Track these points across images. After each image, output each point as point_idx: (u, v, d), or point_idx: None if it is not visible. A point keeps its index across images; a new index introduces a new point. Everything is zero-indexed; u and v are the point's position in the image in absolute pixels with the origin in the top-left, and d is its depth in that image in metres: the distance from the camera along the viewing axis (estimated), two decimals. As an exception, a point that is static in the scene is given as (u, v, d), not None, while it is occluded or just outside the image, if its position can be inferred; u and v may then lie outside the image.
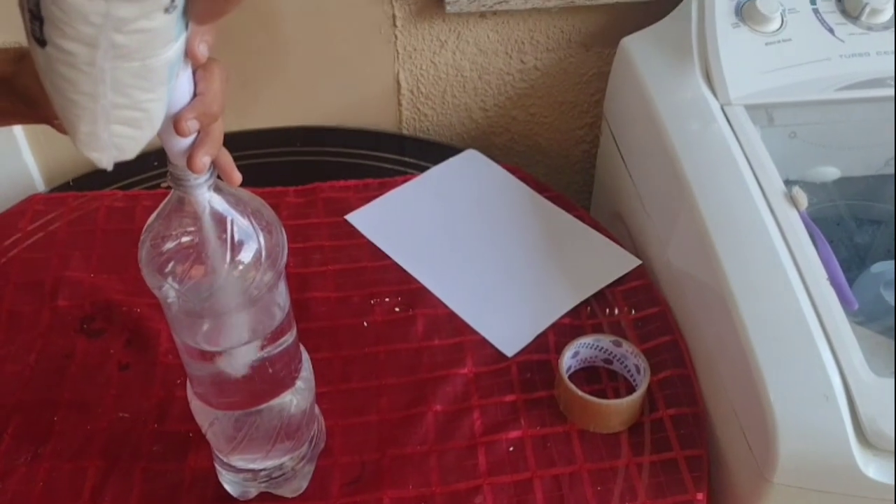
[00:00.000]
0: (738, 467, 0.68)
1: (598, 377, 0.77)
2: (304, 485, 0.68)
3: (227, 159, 0.50)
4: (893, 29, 0.86)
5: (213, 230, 0.50)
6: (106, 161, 0.42)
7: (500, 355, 0.78)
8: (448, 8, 0.96)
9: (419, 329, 0.81)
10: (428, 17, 1.01)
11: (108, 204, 0.95)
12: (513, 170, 0.99)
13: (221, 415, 0.61)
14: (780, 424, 0.61)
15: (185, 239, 0.50)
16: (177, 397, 0.74)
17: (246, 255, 0.51)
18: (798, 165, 0.85)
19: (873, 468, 0.60)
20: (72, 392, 0.75)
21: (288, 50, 1.03)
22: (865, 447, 0.61)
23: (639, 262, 0.87)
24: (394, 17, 1.01)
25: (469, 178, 0.99)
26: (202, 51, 0.43)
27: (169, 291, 0.51)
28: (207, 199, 0.49)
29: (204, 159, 0.46)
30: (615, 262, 0.87)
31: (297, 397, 0.63)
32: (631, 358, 0.75)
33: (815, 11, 0.87)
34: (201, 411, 0.62)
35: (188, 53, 0.42)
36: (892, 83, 0.84)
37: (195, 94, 0.44)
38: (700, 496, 0.68)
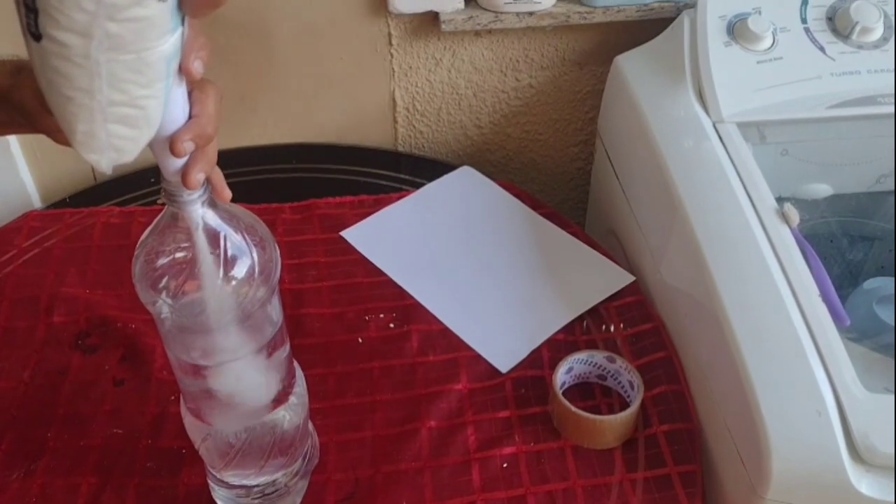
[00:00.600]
0: (731, 483, 0.68)
1: (592, 393, 0.77)
2: (298, 501, 0.68)
3: (218, 176, 0.51)
4: (892, 45, 0.87)
5: (206, 246, 0.50)
6: (105, 164, 0.42)
7: (494, 371, 0.78)
8: (443, 26, 0.97)
9: (413, 345, 0.81)
10: (423, 36, 1.02)
11: (104, 220, 0.95)
12: (507, 186, 1.00)
13: (215, 431, 0.61)
14: (773, 441, 0.61)
15: (178, 254, 0.51)
16: (171, 413, 0.74)
17: (239, 271, 0.51)
18: (790, 182, 0.86)
19: (866, 484, 0.60)
20: (66, 408, 0.75)
21: (284, 67, 1.03)
22: (858, 463, 0.61)
23: (633, 278, 0.87)
24: (389, 35, 1.01)
25: (464, 194, 0.99)
26: (197, 68, 0.43)
27: (162, 307, 0.51)
28: (201, 214, 0.49)
29: (198, 176, 0.46)
30: (609, 279, 0.87)
31: (290, 413, 0.63)
32: (625, 374, 0.75)
33: (807, 30, 0.88)
34: (195, 427, 0.62)
35: (183, 70, 0.43)
36: (883, 101, 0.85)
37: (190, 116, 0.45)
38: (694, 512, 0.68)
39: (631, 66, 0.95)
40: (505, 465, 0.71)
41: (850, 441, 0.61)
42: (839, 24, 0.88)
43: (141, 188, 1.02)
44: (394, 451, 0.72)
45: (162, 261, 0.51)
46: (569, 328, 0.82)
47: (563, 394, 0.73)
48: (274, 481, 0.65)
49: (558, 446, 0.72)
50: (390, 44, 1.02)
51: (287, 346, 0.61)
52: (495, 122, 1.12)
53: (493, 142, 1.14)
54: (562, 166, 1.18)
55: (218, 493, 0.67)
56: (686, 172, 0.80)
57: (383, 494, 0.68)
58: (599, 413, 0.74)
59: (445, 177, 1.02)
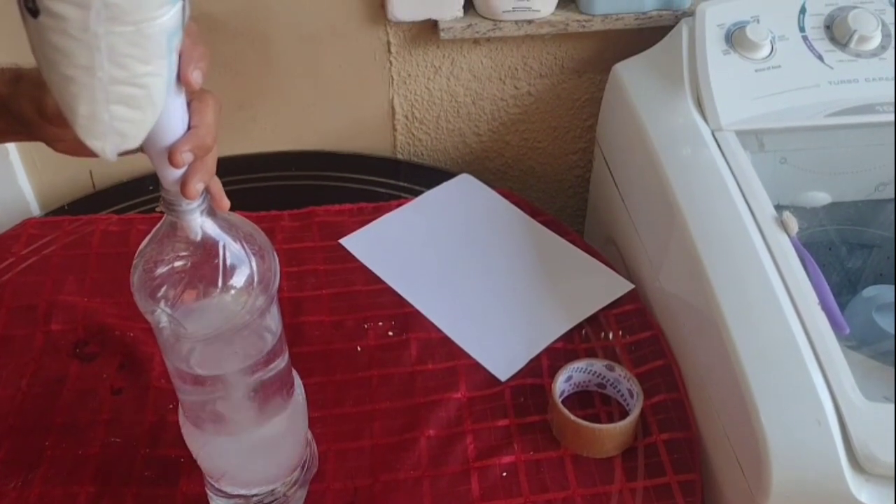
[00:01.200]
0: (731, 492, 0.68)
1: (591, 402, 0.77)
2: (296, 510, 0.68)
3: (217, 186, 0.51)
4: (890, 53, 0.87)
5: (205, 255, 0.50)
6: (109, 150, 0.41)
7: (493, 380, 0.78)
8: (442, 34, 0.97)
9: (412, 353, 0.81)
10: (422, 44, 1.02)
11: (103, 228, 0.95)
12: (506, 194, 1.00)
13: (213, 439, 0.61)
14: (773, 449, 0.61)
15: (177, 264, 0.51)
16: (169, 422, 0.74)
17: (238, 280, 0.51)
18: (788, 191, 0.86)
19: (866, 493, 0.60)
20: (64, 416, 0.75)
21: (283, 75, 1.03)
22: (858, 472, 0.61)
23: (632, 286, 0.87)
24: (388, 43, 1.02)
25: (463, 202, 0.99)
26: (196, 78, 0.43)
27: (161, 316, 0.51)
28: (200, 223, 0.49)
29: (197, 186, 0.46)
30: (608, 287, 0.87)
31: (289, 422, 0.62)
32: (624, 382, 0.75)
33: (805, 38, 0.88)
34: (193, 436, 0.61)
35: (182, 80, 0.43)
36: (882, 109, 0.85)
37: (190, 126, 0.45)
38: (693, 521, 0.67)
39: (629, 74, 0.95)
40: (504, 474, 0.70)
41: (850, 450, 0.61)
42: (837, 33, 0.88)
43: (139, 196, 1.02)
44: (393, 459, 0.72)
45: (161, 270, 0.51)
46: (568, 336, 0.82)
47: (563, 402, 0.73)
48: (272, 491, 0.65)
49: (558, 455, 0.72)
50: (389, 52, 1.02)
51: (286, 355, 0.60)
52: (494, 129, 1.12)
53: (492, 149, 1.14)
54: (560, 174, 1.18)
55: (216, 503, 0.67)
56: (685, 180, 0.80)
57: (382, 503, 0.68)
58: (599, 421, 0.74)
59: (444, 184, 1.02)
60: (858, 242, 0.88)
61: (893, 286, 0.82)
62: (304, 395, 0.65)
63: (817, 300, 0.69)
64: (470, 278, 0.89)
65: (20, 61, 0.48)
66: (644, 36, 0.99)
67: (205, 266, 0.50)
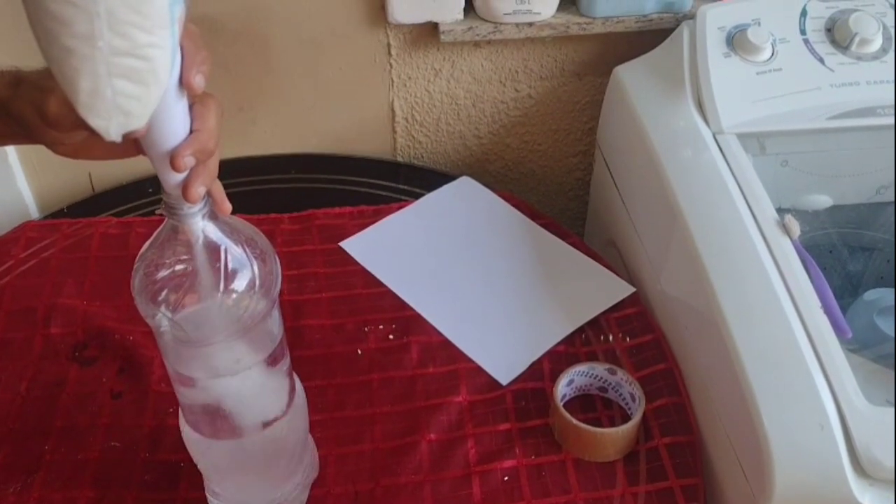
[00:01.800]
0: (733, 496, 0.68)
1: (592, 405, 0.77)
2: (297, 515, 0.67)
3: (218, 189, 0.50)
4: (891, 56, 0.87)
5: (206, 259, 0.50)
6: (113, 130, 0.40)
7: (494, 383, 0.78)
8: (442, 37, 0.97)
9: (413, 357, 0.80)
10: (422, 46, 1.02)
11: (102, 231, 0.95)
12: (507, 197, 1.00)
13: (213, 444, 0.60)
14: (776, 453, 0.61)
15: (178, 267, 0.50)
16: (169, 426, 0.74)
17: (239, 284, 0.51)
18: (790, 194, 0.86)
19: (868, 497, 0.60)
20: (63, 420, 0.74)
21: (283, 77, 1.03)
22: (861, 476, 0.61)
23: (633, 289, 0.87)
24: (389, 45, 1.01)
25: (463, 205, 0.99)
26: (199, 82, 0.43)
27: (162, 320, 0.51)
28: (201, 227, 0.49)
29: (199, 190, 0.46)
30: (609, 290, 0.87)
31: (289, 426, 0.62)
32: (626, 386, 0.75)
33: (806, 41, 0.88)
34: (193, 440, 0.61)
35: (184, 84, 0.43)
36: (883, 112, 0.85)
37: (191, 130, 0.45)
38: (696, 526, 0.67)
39: (630, 76, 0.95)
40: (506, 479, 0.70)
41: (853, 454, 0.61)
42: (838, 36, 0.88)
43: (139, 198, 1.01)
44: (393, 464, 0.71)
45: (162, 274, 0.51)
46: (569, 340, 0.82)
47: (564, 406, 0.73)
48: (273, 495, 0.65)
49: (559, 459, 0.72)
50: (389, 54, 1.02)
51: (287, 359, 0.60)
52: (494, 132, 1.12)
53: (493, 152, 1.14)
54: (561, 176, 1.18)
55: (216, 507, 0.66)
56: (686, 183, 0.80)
57: (383, 508, 0.68)
58: (600, 425, 0.73)
59: (444, 187, 1.01)
60: (860, 245, 0.88)
61: (894, 289, 0.81)
62: (305, 399, 0.65)
63: (819, 303, 0.69)
64: (470, 281, 0.89)
65: (20, 64, 0.48)
66: (645, 39, 0.99)
67: (206, 270, 0.50)
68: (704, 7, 0.89)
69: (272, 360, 0.58)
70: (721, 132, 0.84)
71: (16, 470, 0.70)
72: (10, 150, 1.01)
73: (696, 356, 0.75)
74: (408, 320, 0.84)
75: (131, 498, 0.68)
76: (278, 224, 0.96)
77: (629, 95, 0.92)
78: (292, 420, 0.62)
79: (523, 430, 0.74)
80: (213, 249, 0.50)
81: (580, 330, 0.83)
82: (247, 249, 0.52)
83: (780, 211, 0.77)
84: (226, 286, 0.51)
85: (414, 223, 0.96)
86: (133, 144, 0.47)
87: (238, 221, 0.53)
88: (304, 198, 1.00)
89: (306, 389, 0.66)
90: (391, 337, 0.83)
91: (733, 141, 0.83)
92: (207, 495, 0.67)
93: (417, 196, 1.00)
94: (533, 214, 0.97)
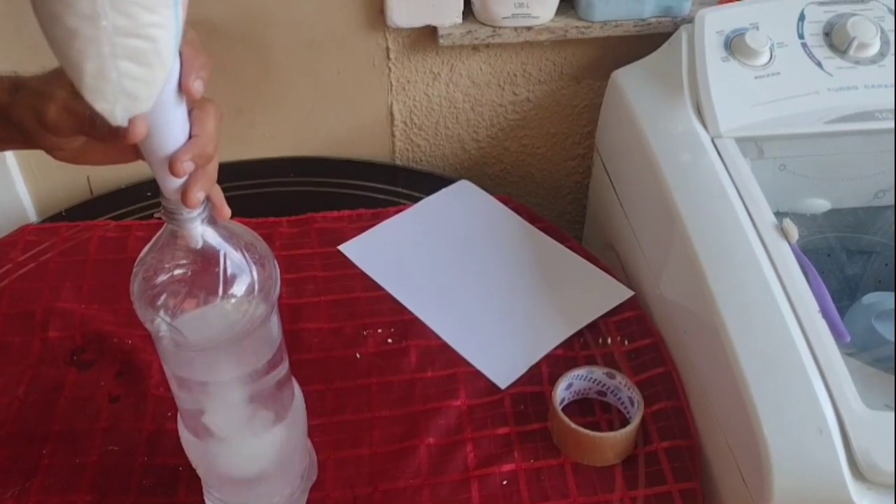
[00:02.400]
0: (732, 500, 0.68)
1: (591, 409, 0.76)
2: (296, 519, 0.67)
3: (218, 194, 0.50)
4: (890, 60, 0.87)
5: (205, 263, 0.50)
6: (119, 113, 0.40)
7: (493, 387, 0.78)
8: (441, 41, 0.97)
9: (412, 360, 0.80)
10: (421, 50, 1.02)
11: (101, 234, 0.94)
12: (505, 200, 1.00)
13: (212, 448, 0.60)
14: (774, 458, 0.61)
15: (177, 272, 0.50)
16: (167, 430, 0.73)
17: (238, 289, 0.51)
18: (788, 197, 0.86)
19: (867, 501, 0.60)
20: (61, 425, 0.74)
21: (282, 81, 1.03)
22: (860, 480, 0.61)
23: (631, 293, 0.87)
24: (387, 49, 1.01)
25: (462, 208, 0.99)
26: (198, 87, 0.43)
27: (161, 325, 0.51)
28: (200, 232, 0.49)
29: (198, 195, 0.46)
30: (608, 293, 0.87)
31: (288, 430, 0.62)
32: (624, 390, 0.75)
33: (804, 45, 0.88)
34: (192, 444, 0.61)
35: (183, 89, 0.43)
36: (881, 116, 0.85)
37: (190, 135, 0.45)
38: (694, 530, 0.67)
39: (629, 80, 0.95)
40: (504, 483, 0.70)
41: (852, 458, 0.61)
42: (836, 40, 0.88)
43: (137, 202, 1.01)
44: (392, 468, 0.71)
45: (161, 278, 0.51)
46: (568, 343, 0.82)
47: (563, 410, 0.73)
48: (272, 499, 0.65)
49: (558, 463, 0.72)
50: (388, 58, 1.02)
51: (286, 364, 0.60)
52: (493, 135, 1.12)
53: (491, 156, 1.14)
54: (559, 180, 1.18)
55: (215, 512, 0.66)
56: (684, 187, 0.80)
57: (382, 512, 0.68)
58: (599, 429, 0.73)
59: (443, 190, 1.01)
60: (858, 249, 0.89)
61: (893, 293, 0.82)
62: (304, 403, 0.65)
63: (817, 307, 0.69)
64: (469, 285, 0.89)
65: (20, 70, 0.48)
66: (643, 43, 0.99)
67: (205, 275, 0.50)
68: (703, 11, 0.90)
69: (271, 365, 0.57)
70: (719, 136, 0.84)
71: (13, 474, 0.70)
72: (9, 154, 1.01)
73: (695, 360, 0.75)
74: (406, 324, 0.84)
75: (130, 502, 0.68)
76: (277, 227, 0.96)
77: (628, 99, 0.92)
78: (291, 424, 0.62)
79: (522, 434, 0.74)
80: (212, 254, 0.50)
81: (579, 334, 0.83)
82: (246, 254, 0.52)
83: (778, 215, 0.77)
84: (225, 291, 0.51)
85: (412, 227, 0.96)
86: (132, 149, 0.47)
87: (237, 226, 0.53)
88: (303, 201, 1.00)
89: (305, 393, 0.66)
90: (390, 341, 0.83)
91: (731, 145, 0.83)
92: (206, 500, 0.67)
93: (416, 199, 1.00)
94: (531, 218, 0.97)
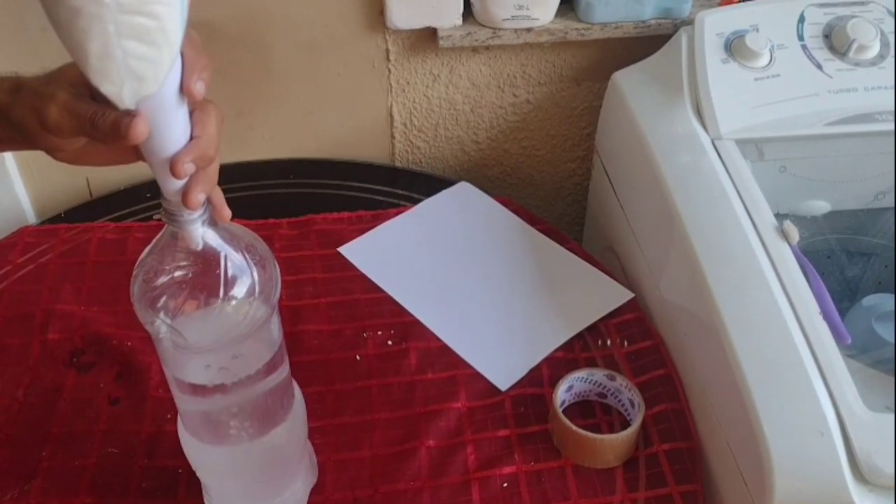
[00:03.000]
0: (733, 503, 0.68)
1: (592, 411, 0.76)
2: (296, 521, 0.67)
3: (218, 196, 0.50)
4: (890, 62, 0.87)
5: (206, 265, 0.50)
6: (126, 95, 0.39)
7: (493, 389, 0.78)
8: (441, 42, 0.97)
9: (412, 362, 0.80)
10: (421, 52, 1.02)
11: (100, 236, 0.94)
12: (505, 202, 1.00)
13: (212, 450, 0.60)
14: (775, 460, 0.61)
15: (177, 274, 0.50)
16: (167, 432, 0.73)
17: (239, 291, 0.51)
18: (788, 199, 0.86)
19: (869, 504, 0.60)
20: (60, 427, 0.74)
21: (282, 82, 1.03)
22: (861, 483, 0.61)
23: (632, 294, 0.87)
24: (387, 51, 1.01)
25: (462, 210, 0.99)
26: (199, 89, 0.43)
27: (161, 327, 0.51)
28: (201, 234, 0.49)
29: (199, 197, 0.46)
30: (608, 295, 0.87)
31: (288, 432, 0.62)
32: (625, 392, 0.75)
33: (804, 48, 0.88)
34: (191, 446, 0.61)
35: (185, 91, 0.43)
36: (881, 118, 0.85)
37: (191, 137, 0.44)
38: (695, 532, 0.67)
39: (629, 82, 0.95)
40: (505, 485, 0.70)
41: (853, 460, 0.61)
42: (836, 42, 0.88)
43: (136, 203, 1.01)
44: (393, 470, 0.71)
45: (161, 280, 0.50)
46: (568, 346, 0.82)
47: (564, 412, 0.73)
48: (272, 502, 0.65)
49: (559, 465, 0.72)
50: (388, 59, 1.02)
51: (286, 366, 0.60)
52: (493, 137, 1.12)
53: (491, 157, 1.14)
54: (559, 182, 1.18)
55: (215, 514, 0.66)
56: (684, 189, 0.80)
57: (382, 515, 0.68)
58: (600, 431, 0.73)
59: (443, 192, 1.01)
60: (858, 251, 0.89)
61: (893, 295, 0.81)
62: (304, 405, 0.65)
63: (818, 309, 0.69)
64: (469, 287, 0.88)
65: (21, 70, 0.48)
66: (643, 44, 0.99)
67: (206, 276, 0.50)
68: (703, 13, 0.90)
69: (271, 367, 0.57)
70: (719, 138, 0.84)
71: (13, 477, 0.70)
72: (8, 156, 1.01)
73: (696, 362, 0.75)
74: (406, 326, 0.84)
75: (129, 505, 0.68)
76: (276, 229, 0.95)
77: (627, 101, 0.92)
78: (291, 426, 0.62)
79: (522, 436, 0.74)
80: (212, 256, 0.50)
81: (579, 336, 0.83)
82: (246, 256, 0.52)
83: (778, 216, 0.77)
84: (225, 293, 0.51)
85: (412, 228, 0.96)
86: (132, 151, 0.47)
87: (238, 228, 0.52)
88: (303, 203, 1.00)
89: (305, 395, 0.65)
90: (390, 343, 0.82)
91: (732, 147, 0.83)
92: (205, 502, 0.66)
93: (416, 201, 1.00)
94: (531, 220, 0.97)
